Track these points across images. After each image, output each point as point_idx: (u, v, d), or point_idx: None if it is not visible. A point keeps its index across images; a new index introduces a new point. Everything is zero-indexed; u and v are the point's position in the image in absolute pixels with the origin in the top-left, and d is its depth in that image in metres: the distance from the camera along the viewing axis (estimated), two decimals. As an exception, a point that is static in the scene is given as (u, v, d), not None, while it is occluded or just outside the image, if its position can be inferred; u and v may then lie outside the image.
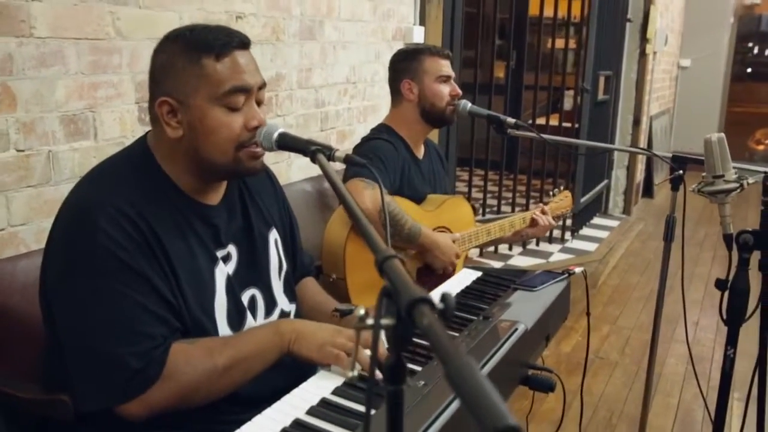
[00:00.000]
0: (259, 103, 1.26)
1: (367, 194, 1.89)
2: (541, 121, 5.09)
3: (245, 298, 1.35)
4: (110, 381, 1.12)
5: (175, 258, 1.20)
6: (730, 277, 1.37)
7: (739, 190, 1.31)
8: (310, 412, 1.04)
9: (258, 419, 1.01)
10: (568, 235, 5.10)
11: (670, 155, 1.87)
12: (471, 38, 4.46)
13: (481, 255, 4.62)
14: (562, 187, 2.52)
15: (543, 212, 2.30)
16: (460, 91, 2.18)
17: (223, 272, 1.30)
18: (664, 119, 7.55)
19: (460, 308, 1.47)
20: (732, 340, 1.39)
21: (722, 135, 1.33)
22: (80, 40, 1.77)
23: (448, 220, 2.17)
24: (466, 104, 2.17)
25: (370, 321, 0.53)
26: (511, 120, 2.10)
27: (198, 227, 1.27)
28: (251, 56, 1.26)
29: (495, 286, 1.60)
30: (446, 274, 2.12)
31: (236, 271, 1.33)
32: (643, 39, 5.59)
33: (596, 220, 5.70)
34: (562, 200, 2.48)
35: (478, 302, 1.50)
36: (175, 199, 1.25)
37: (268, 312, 1.40)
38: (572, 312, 3.74)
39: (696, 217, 5.16)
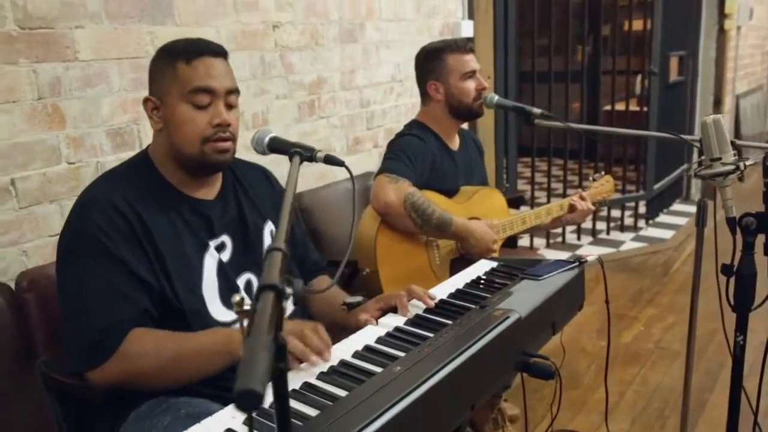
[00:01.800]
0: (229, 106, 1.40)
1: (391, 188, 1.96)
2: (620, 106, 4.94)
3: (241, 281, 1.47)
4: (77, 349, 1.29)
5: (162, 243, 1.34)
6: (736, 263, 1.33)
7: (737, 173, 1.27)
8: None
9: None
10: (642, 222, 4.94)
11: (699, 138, 1.82)
12: (542, 25, 4.39)
13: (548, 246, 4.57)
14: (603, 172, 2.49)
15: (582, 198, 2.28)
16: (486, 85, 2.20)
17: (214, 257, 1.43)
18: (756, 97, 7.10)
19: (462, 298, 1.51)
20: (741, 327, 1.35)
21: (719, 117, 1.29)
22: (122, 60, 1.94)
23: (479, 211, 2.20)
24: (493, 97, 2.19)
25: (247, 307, 0.60)
26: (537, 110, 2.10)
27: (189, 218, 1.41)
28: (224, 64, 1.40)
29: (504, 275, 1.63)
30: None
31: (231, 258, 1.46)
32: (722, 14, 5.31)
33: (676, 207, 5.48)
34: (602, 185, 2.45)
35: (483, 292, 1.54)
36: (168, 195, 1.41)
37: None
38: (639, 300, 3.66)
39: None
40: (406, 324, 1.40)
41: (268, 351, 0.45)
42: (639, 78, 4.97)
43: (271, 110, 2.47)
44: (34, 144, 1.76)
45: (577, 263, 1.61)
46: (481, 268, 1.72)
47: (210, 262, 1.41)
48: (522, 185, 5.69)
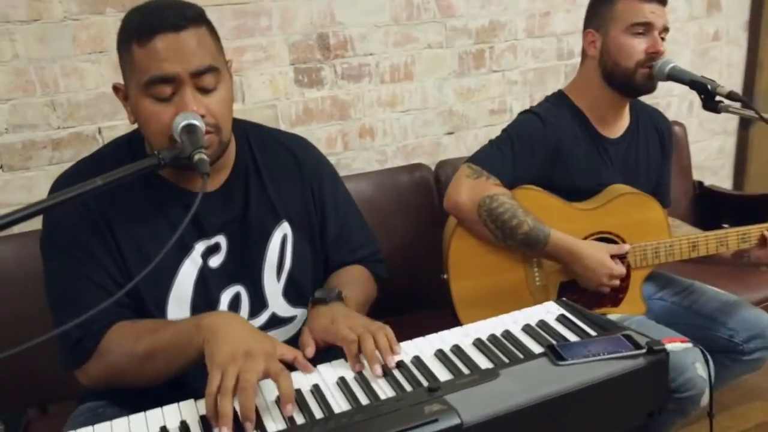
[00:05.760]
0: (204, 90, 1.12)
1: (466, 184, 1.54)
2: None
3: (227, 295, 1.27)
4: (61, 348, 1.20)
5: (127, 242, 1.20)
6: None
7: None
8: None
9: None
10: None
11: None
12: None
13: None
14: None
15: (784, 230, 1.53)
16: (661, 48, 1.55)
17: (196, 264, 1.24)
18: None
19: (448, 362, 1.10)
20: None
21: None
22: (221, 6, 1.82)
23: (616, 225, 1.61)
24: (665, 65, 1.54)
25: None
26: (723, 89, 1.41)
27: (174, 215, 1.22)
28: (191, 37, 1.11)
29: (537, 339, 1.14)
30: (602, 294, 1.61)
31: (224, 264, 1.26)
32: None
33: None
34: None
35: (487, 357, 1.10)
36: (152, 186, 1.22)
37: (253, 313, 1.29)
38: None
39: None
40: (338, 382, 1.07)
41: None
42: None
43: (417, 62, 2.13)
44: (122, 94, 1.77)
45: (644, 351, 1.04)
46: (532, 317, 1.24)
47: (188, 270, 1.23)
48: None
